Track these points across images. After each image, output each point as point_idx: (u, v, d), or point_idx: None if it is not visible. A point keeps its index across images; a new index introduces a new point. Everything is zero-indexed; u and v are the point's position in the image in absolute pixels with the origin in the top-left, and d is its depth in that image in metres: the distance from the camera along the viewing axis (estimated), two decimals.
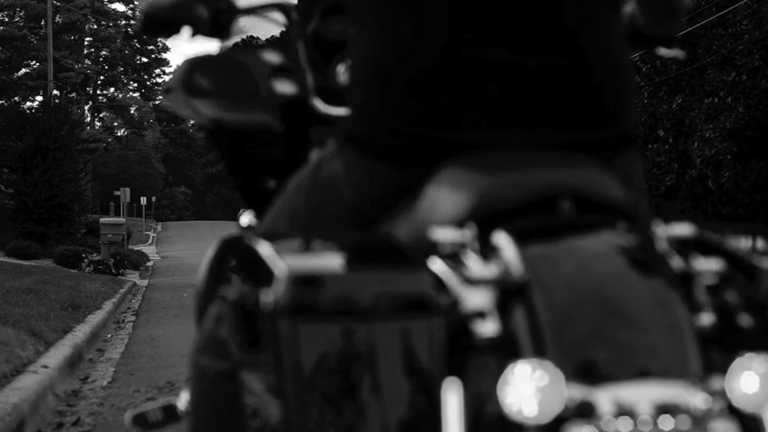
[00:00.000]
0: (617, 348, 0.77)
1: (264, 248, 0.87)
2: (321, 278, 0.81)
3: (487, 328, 0.82)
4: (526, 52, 1.06)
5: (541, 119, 1.06)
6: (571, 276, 0.82)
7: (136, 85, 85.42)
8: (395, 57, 1.10)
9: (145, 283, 17.54)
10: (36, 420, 3.66)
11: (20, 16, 67.72)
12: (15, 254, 21.11)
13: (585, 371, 0.76)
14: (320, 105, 1.51)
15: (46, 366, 4.49)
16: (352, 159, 1.12)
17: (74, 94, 67.32)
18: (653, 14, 1.41)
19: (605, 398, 0.74)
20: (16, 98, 56.32)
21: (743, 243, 0.91)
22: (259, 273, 0.86)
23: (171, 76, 1.72)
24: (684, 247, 0.87)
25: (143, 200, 59.42)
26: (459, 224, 0.93)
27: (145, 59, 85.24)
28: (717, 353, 0.80)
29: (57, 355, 5.02)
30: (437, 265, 0.88)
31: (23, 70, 64.93)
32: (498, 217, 0.92)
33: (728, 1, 19.09)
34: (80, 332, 6.46)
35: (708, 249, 0.88)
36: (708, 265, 0.85)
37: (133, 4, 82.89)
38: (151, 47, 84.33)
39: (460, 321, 0.82)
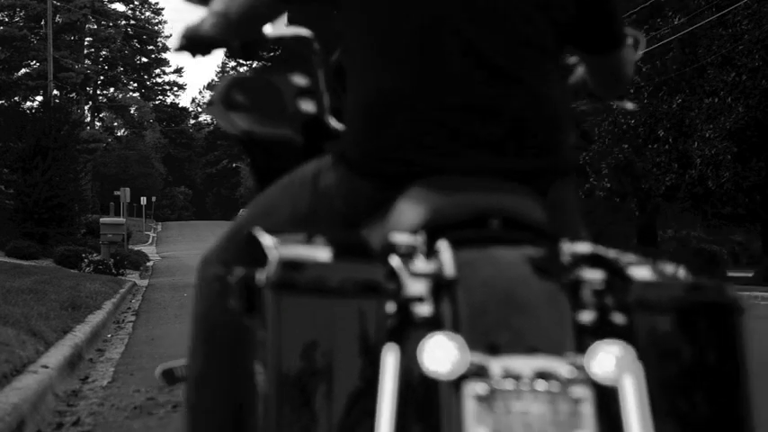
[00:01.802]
0: (513, 331, 1.07)
1: (266, 240, 1.20)
2: (302, 264, 1.10)
3: (423, 309, 1.10)
4: (479, 97, 1.40)
5: (489, 150, 1.39)
6: (487, 277, 1.12)
7: (136, 85, 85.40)
8: (381, 99, 1.43)
9: (145, 283, 17.55)
10: (36, 420, 3.66)
11: (20, 16, 67.71)
12: (15, 254, 21.11)
13: (486, 345, 1.05)
14: (334, 123, 1.79)
15: (46, 366, 4.49)
16: (343, 175, 1.45)
17: (74, 94, 67.32)
18: (601, 86, 1.79)
19: (497, 365, 1.03)
20: (16, 98, 56.31)
21: (626, 258, 1.18)
22: (260, 258, 1.16)
23: (214, 90, 2.02)
24: (582, 260, 1.15)
25: (143, 200, 59.43)
26: (415, 232, 1.24)
27: (145, 59, 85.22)
28: (589, 338, 1.07)
29: (57, 355, 5.02)
30: (394, 261, 1.15)
31: (23, 70, 64.93)
32: (443, 228, 1.23)
33: (728, 1, 19.09)
34: (80, 332, 6.46)
35: (599, 262, 1.15)
36: (593, 275, 1.13)
37: (133, 3, 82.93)
38: (151, 47, 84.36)
39: (404, 303, 1.09)
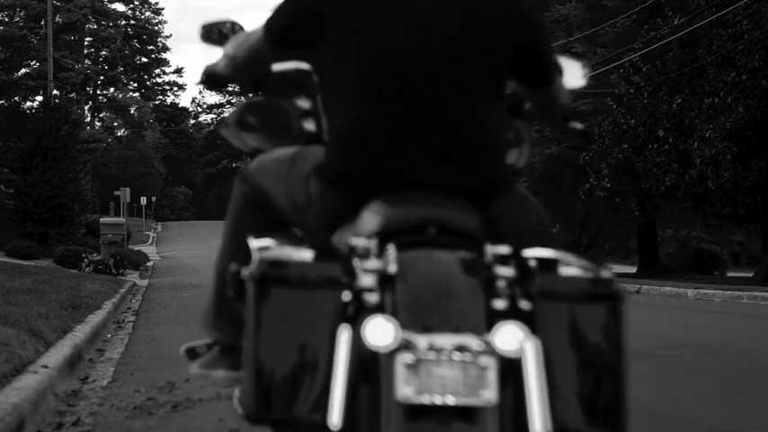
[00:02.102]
0: (441, 315, 1.42)
1: (253, 244, 1.60)
2: (279, 263, 1.50)
3: (371, 297, 1.44)
4: (428, 130, 1.78)
5: (437, 171, 1.75)
6: (424, 273, 1.48)
7: (136, 85, 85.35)
8: (350, 130, 1.80)
9: (145, 282, 17.54)
10: (36, 420, 3.66)
11: (20, 16, 67.68)
12: (15, 254, 21.10)
13: (419, 325, 1.39)
14: None
15: (46, 366, 4.49)
16: (321, 188, 1.84)
17: (74, 94, 67.29)
18: (542, 112, 2.25)
19: (424, 340, 1.37)
20: (16, 98, 56.28)
21: (549, 256, 1.56)
22: (248, 257, 1.58)
23: (230, 113, 2.42)
24: (500, 259, 1.50)
25: (143, 200, 59.41)
26: (370, 237, 1.57)
27: (145, 59, 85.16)
28: (501, 320, 1.41)
29: (57, 355, 5.01)
30: (354, 260, 1.51)
31: (23, 70, 64.90)
32: (392, 234, 1.59)
33: (728, 1, 19.09)
34: (80, 332, 6.46)
35: (513, 261, 1.50)
36: (506, 272, 1.49)
37: (133, 3, 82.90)
38: (151, 47, 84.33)
39: (357, 292, 1.45)
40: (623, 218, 29.14)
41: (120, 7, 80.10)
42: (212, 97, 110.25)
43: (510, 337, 1.42)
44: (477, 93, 1.82)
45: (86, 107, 74.75)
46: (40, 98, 52.66)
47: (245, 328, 1.55)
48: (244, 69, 2.17)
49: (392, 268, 1.49)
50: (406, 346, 1.40)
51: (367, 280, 1.49)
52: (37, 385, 3.97)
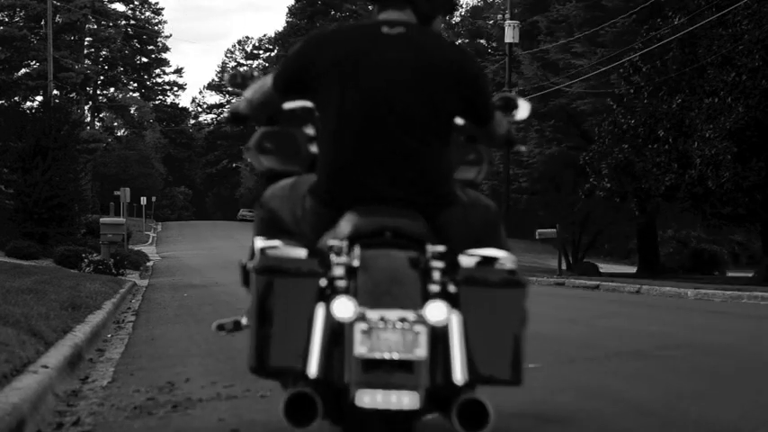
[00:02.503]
0: (392, 296, 2.07)
1: (257, 244, 2.38)
2: (273, 258, 2.22)
3: (340, 283, 2.11)
4: (391, 162, 2.45)
5: (394, 191, 2.44)
6: (380, 266, 2.13)
7: (136, 85, 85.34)
8: (334, 162, 2.50)
9: (145, 282, 17.54)
10: (36, 420, 3.66)
11: (20, 16, 67.64)
12: (15, 254, 21.09)
13: (373, 304, 2.06)
14: None
15: (46, 366, 4.49)
16: (312, 204, 2.57)
17: (74, 94, 67.25)
18: (485, 140, 2.95)
19: (376, 314, 2.03)
20: (16, 98, 56.25)
21: (475, 252, 2.34)
22: (253, 253, 2.41)
23: (251, 138, 3.08)
24: (436, 256, 2.20)
25: (143, 200, 59.40)
26: (343, 239, 2.22)
27: (145, 59, 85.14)
28: (430, 299, 2.08)
29: (57, 355, 5.01)
30: (331, 256, 2.19)
31: (23, 70, 64.86)
32: (359, 237, 2.24)
33: (728, 1, 19.08)
34: (80, 332, 6.45)
35: (445, 256, 2.20)
36: (439, 264, 2.17)
37: (133, 3, 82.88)
38: (151, 47, 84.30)
39: (330, 280, 2.13)
40: (623, 218, 29.14)
41: (120, 7, 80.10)
42: (212, 97, 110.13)
43: (437, 312, 2.12)
44: (426, 135, 2.51)
45: (86, 107, 74.70)
46: (40, 98, 52.62)
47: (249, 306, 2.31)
48: (259, 110, 2.87)
49: (356, 262, 2.21)
50: (362, 318, 2.10)
51: (338, 271, 2.20)
52: (37, 385, 3.97)
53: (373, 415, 2.15)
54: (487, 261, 2.32)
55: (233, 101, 3.15)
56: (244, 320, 2.89)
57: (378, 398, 2.12)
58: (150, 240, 48.08)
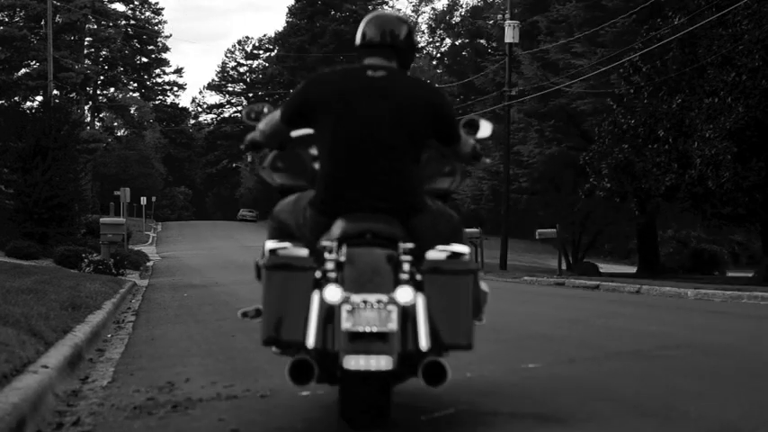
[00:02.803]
0: (374, 284, 2.92)
1: (267, 245, 3.24)
2: (277, 257, 3.12)
3: (331, 275, 2.96)
4: (373, 179, 3.23)
5: (375, 202, 3.19)
6: (363, 260, 2.96)
7: (136, 85, 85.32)
8: (329, 178, 3.27)
9: (145, 282, 17.54)
10: (36, 420, 3.66)
11: (20, 16, 67.61)
12: (15, 254, 21.09)
13: (355, 289, 2.89)
14: None
15: (46, 366, 4.49)
16: (312, 213, 3.34)
17: (74, 94, 67.23)
18: (455, 157, 3.67)
19: (359, 298, 2.89)
20: (16, 98, 56.24)
21: (441, 248, 3.21)
22: (263, 253, 3.23)
23: (265, 159, 3.79)
24: (406, 251, 3.02)
25: (143, 200, 59.40)
26: (333, 240, 3.05)
27: (145, 59, 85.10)
28: (400, 285, 2.93)
29: (57, 355, 5.01)
30: (324, 253, 3.02)
31: (23, 70, 64.83)
32: (346, 238, 3.04)
33: (728, 1, 19.07)
34: (80, 332, 6.45)
35: (413, 251, 3.03)
36: (408, 257, 3.00)
37: (133, 3, 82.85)
38: (151, 47, 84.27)
39: (324, 272, 2.97)
40: (623, 218, 29.13)
41: (120, 7, 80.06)
42: (212, 97, 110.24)
43: (405, 294, 2.90)
44: (402, 158, 3.30)
45: (86, 107, 74.67)
46: (40, 98, 52.59)
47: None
48: (270, 138, 3.63)
49: (343, 258, 2.98)
50: (347, 300, 2.87)
51: (329, 265, 2.98)
52: (37, 385, 3.97)
53: (357, 375, 2.90)
54: (455, 255, 3.17)
55: (241, 110, 4.07)
56: (248, 312, 3.68)
57: (360, 362, 2.88)
58: (150, 240, 48.07)
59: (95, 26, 75.73)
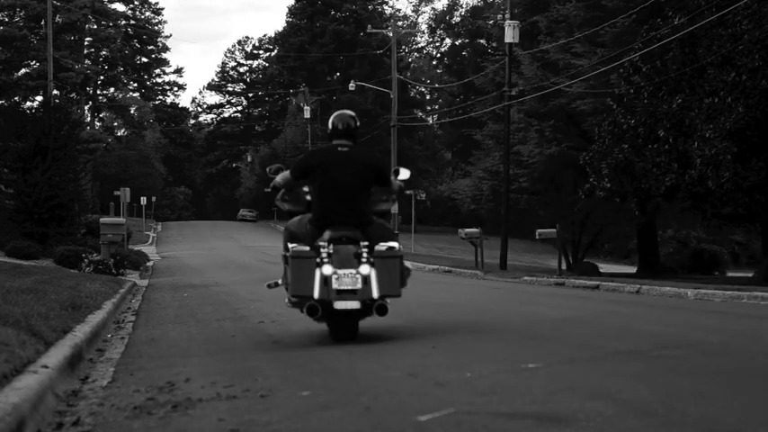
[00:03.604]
0: (347, 264, 6.28)
1: (288, 244, 6.77)
2: (295, 250, 6.52)
3: (325, 260, 6.29)
4: (344, 209, 6.67)
5: (347, 219, 6.64)
6: (342, 252, 6.32)
7: (136, 85, 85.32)
8: (320, 210, 6.74)
9: (145, 282, 17.54)
10: (36, 420, 3.66)
11: (20, 16, 67.64)
12: (15, 254, 21.09)
13: (339, 267, 6.22)
14: None
15: (46, 366, 4.49)
16: (311, 226, 6.79)
17: (74, 94, 67.24)
18: (391, 193, 7.45)
19: (341, 271, 6.22)
20: (16, 98, 56.21)
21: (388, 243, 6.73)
22: (285, 248, 6.85)
23: (279, 196, 7.25)
24: (365, 246, 6.41)
25: (143, 200, 59.37)
26: (324, 241, 6.43)
27: (145, 59, 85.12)
28: (361, 264, 6.30)
29: (57, 355, 5.01)
30: (320, 249, 6.38)
31: (23, 70, 64.87)
32: (331, 240, 6.43)
33: (728, 1, 19.07)
34: (80, 332, 6.46)
35: (369, 246, 6.46)
36: (366, 250, 6.38)
37: (133, 3, 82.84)
38: (151, 47, 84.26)
39: (321, 258, 6.31)
40: (623, 218, 29.12)
41: (120, 7, 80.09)
42: (212, 97, 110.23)
43: (365, 269, 6.16)
44: (360, 196, 6.67)
45: (86, 107, 74.67)
46: (40, 98, 52.62)
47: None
48: (284, 185, 7.01)
49: (331, 250, 6.23)
50: (335, 273, 6.13)
51: (324, 255, 6.20)
52: (37, 385, 3.97)
53: (340, 312, 6.10)
54: (390, 248, 6.37)
55: (267, 168, 7.79)
56: (279, 281, 7.01)
57: (342, 304, 6.06)
58: (150, 240, 48.06)
59: (95, 26, 75.73)
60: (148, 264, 25.25)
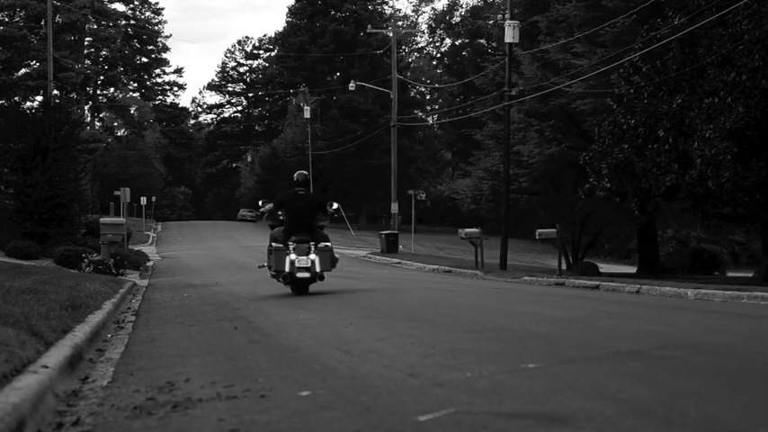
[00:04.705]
0: (304, 253, 12.26)
1: (273, 244, 12.82)
2: (275, 246, 12.65)
3: (292, 251, 12.33)
4: (303, 227, 12.59)
5: (305, 230, 12.55)
6: (301, 247, 12.19)
7: (136, 85, 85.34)
8: (288, 225, 12.67)
9: (145, 282, 17.54)
10: (36, 420, 3.66)
11: (20, 16, 67.60)
12: (15, 254, 21.09)
13: (299, 255, 12.15)
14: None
15: (46, 366, 4.49)
16: (283, 234, 12.75)
17: (74, 94, 67.20)
18: (326, 217, 13.53)
19: (301, 257, 12.18)
20: (16, 98, 56.19)
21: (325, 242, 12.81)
22: (270, 245, 13.03)
23: (265, 212, 13.56)
24: (314, 244, 12.54)
25: (143, 200, 59.40)
26: (291, 242, 12.50)
27: (145, 59, 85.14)
28: (311, 253, 12.31)
29: (57, 355, 5.01)
30: (289, 245, 12.37)
31: (23, 70, 64.82)
32: (295, 241, 12.39)
33: (728, 1, 19.07)
34: (80, 332, 6.46)
35: (315, 244, 12.59)
36: (312, 246, 12.36)
37: (133, 3, 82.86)
38: (151, 47, 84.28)
39: (290, 251, 12.30)
40: (623, 218, 29.11)
41: (120, 7, 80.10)
42: (212, 97, 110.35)
43: (313, 256, 12.04)
44: (312, 218, 12.62)
45: (86, 107, 74.66)
46: (40, 98, 52.59)
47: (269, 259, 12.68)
48: (269, 212, 13.21)
49: (294, 246, 12.09)
50: (297, 259, 11.97)
51: (290, 248, 12.08)
52: (37, 385, 3.97)
53: (299, 279, 12.00)
54: (326, 245, 12.32)
55: (259, 202, 14.37)
56: (265, 263, 12.99)
57: (300, 274, 11.95)
58: (150, 240, 48.06)
59: (95, 26, 75.71)
60: (148, 264, 25.25)
